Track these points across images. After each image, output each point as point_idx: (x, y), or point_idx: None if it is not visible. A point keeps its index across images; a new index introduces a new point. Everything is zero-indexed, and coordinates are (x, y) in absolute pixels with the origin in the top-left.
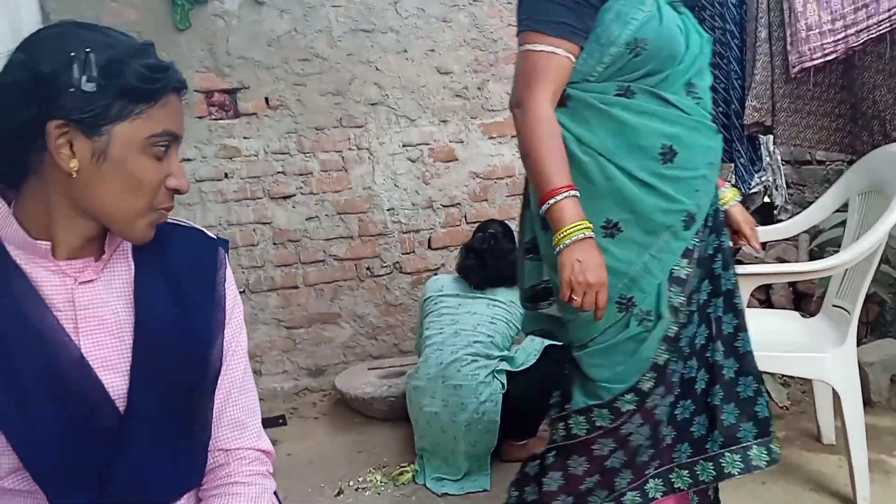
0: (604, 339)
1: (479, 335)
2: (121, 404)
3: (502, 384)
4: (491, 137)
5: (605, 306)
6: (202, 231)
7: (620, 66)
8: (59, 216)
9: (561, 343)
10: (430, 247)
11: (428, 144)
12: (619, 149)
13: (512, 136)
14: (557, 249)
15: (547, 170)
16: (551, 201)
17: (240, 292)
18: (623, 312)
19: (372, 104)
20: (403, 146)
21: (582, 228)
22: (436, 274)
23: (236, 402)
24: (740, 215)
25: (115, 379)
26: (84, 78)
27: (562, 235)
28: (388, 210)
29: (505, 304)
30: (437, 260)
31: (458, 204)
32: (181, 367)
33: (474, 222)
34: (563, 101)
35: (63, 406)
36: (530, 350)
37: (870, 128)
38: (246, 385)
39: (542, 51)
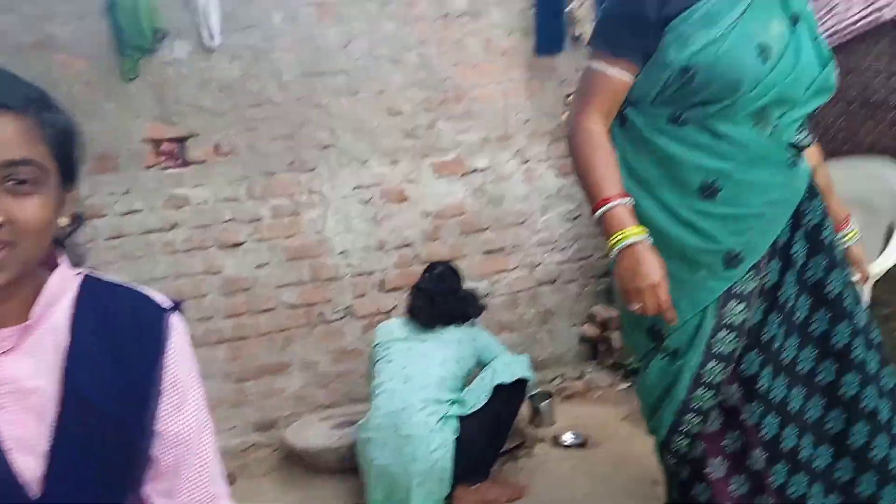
0: (644, 368)
1: (430, 379)
2: (35, 490)
3: (454, 430)
4: (442, 176)
5: (668, 304)
6: (151, 296)
7: (674, 91)
8: None
9: (510, 382)
10: (382, 289)
11: (379, 185)
12: (661, 179)
13: (462, 175)
14: (612, 257)
15: (597, 180)
16: (603, 209)
17: None
18: (654, 342)
19: (323, 147)
20: (355, 188)
21: (631, 234)
22: (389, 316)
23: (197, 481)
24: (857, 255)
25: (31, 462)
26: None
27: (614, 241)
28: (339, 253)
29: (455, 343)
30: (389, 302)
31: (411, 244)
32: (109, 449)
33: (427, 262)
34: (623, 121)
35: None
36: (480, 391)
37: None
38: (203, 474)
39: (597, 69)
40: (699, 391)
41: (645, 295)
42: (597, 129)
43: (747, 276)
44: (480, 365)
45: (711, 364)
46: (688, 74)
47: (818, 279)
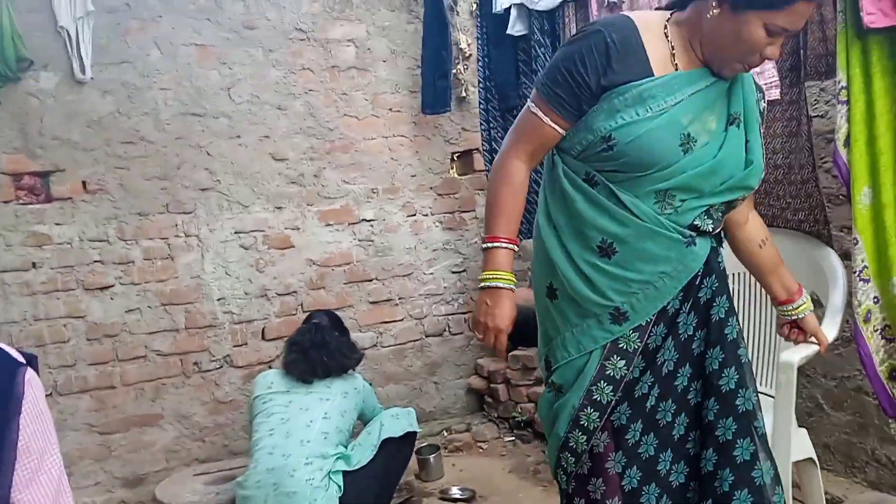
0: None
1: (312, 433)
2: None
3: (339, 486)
4: (328, 224)
5: (501, 351)
6: (1, 350)
7: (593, 153)
8: None
9: (398, 435)
10: (263, 338)
11: (262, 231)
12: (568, 227)
13: (349, 224)
14: (479, 287)
15: (495, 216)
16: (487, 245)
17: (46, 395)
18: (547, 371)
19: (202, 189)
20: (236, 233)
21: (499, 279)
22: (270, 366)
23: None
24: (811, 325)
25: None
26: None
27: (484, 277)
28: (218, 300)
29: (339, 396)
30: (271, 352)
31: (295, 292)
32: None
33: (311, 311)
34: (552, 163)
35: None
36: (366, 445)
37: None
38: None
39: (534, 113)
40: (575, 433)
41: (488, 333)
42: (517, 167)
43: (632, 335)
44: (361, 417)
45: (589, 410)
46: (607, 143)
47: (700, 353)
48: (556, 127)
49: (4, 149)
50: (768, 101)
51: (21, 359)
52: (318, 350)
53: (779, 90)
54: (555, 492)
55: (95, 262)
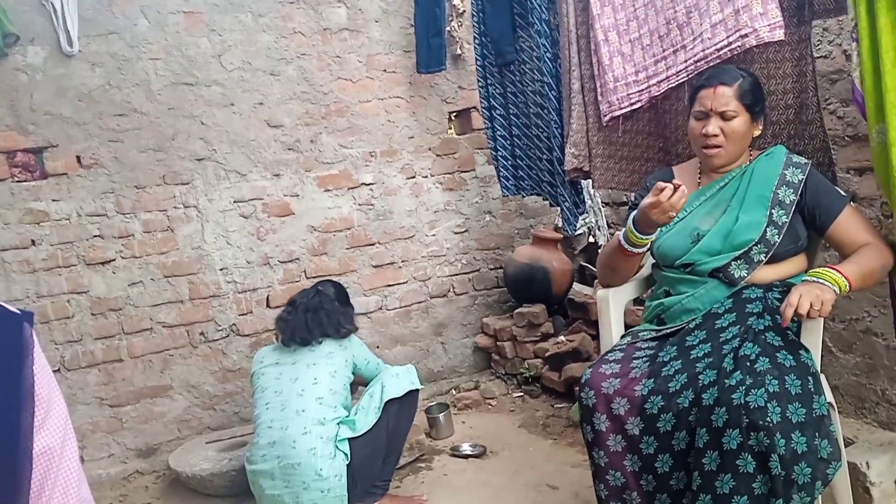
0: None
1: (306, 401)
2: None
3: (346, 454)
4: (327, 190)
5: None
6: (1, 306)
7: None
8: None
9: (401, 395)
10: (268, 305)
11: (261, 199)
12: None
13: (348, 188)
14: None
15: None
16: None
17: (54, 371)
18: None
19: (198, 159)
20: (235, 202)
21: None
22: (276, 335)
23: (64, 498)
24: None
25: None
26: None
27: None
28: (220, 270)
29: (324, 358)
30: None
31: (297, 259)
32: None
33: (314, 277)
34: None
35: None
36: (370, 409)
37: None
38: (69, 491)
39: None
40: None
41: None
42: (604, 249)
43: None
44: (356, 371)
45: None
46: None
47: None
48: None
49: None
50: (773, 41)
51: (20, 312)
52: (308, 314)
53: (783, 30)
54: (564, 444)
55: (95, 236)
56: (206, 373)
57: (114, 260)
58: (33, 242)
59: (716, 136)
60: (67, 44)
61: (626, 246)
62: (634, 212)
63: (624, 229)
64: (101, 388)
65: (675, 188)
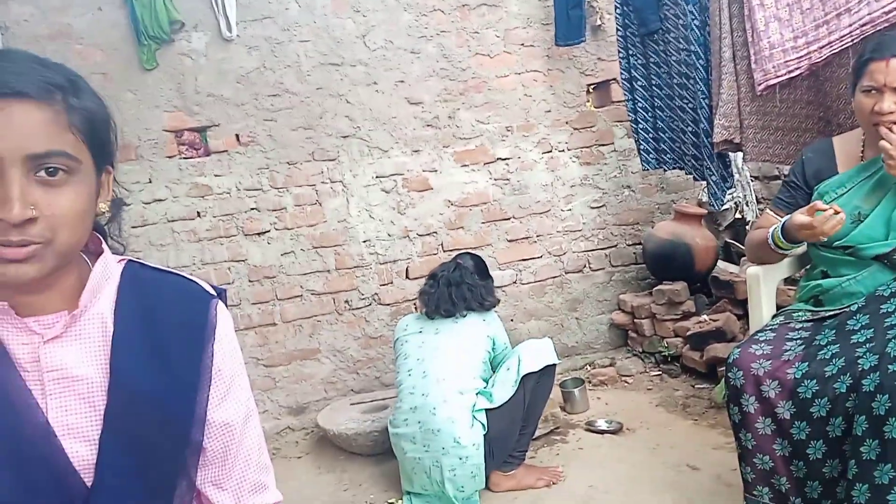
0: None
1: (447, 372)
2: (88, 476)
3: (483, 424)
4: (464, 165)
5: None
6: (195, 283)
7: None
8: None
9: (538, 370)
10: (408, 277)
11: (401, 175)
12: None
13: (485, 164)
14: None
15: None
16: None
17: None
18: None
19: (343, 137)
20: (377, 177)
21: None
22: (414, 304)
23: (245, 468)
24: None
25: (82, 449)
26: None
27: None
28: (363, 242)
29: (466, 330)
30: (415, 290)
31: (435, 233)
32: (158, 437)
33: (451, 250)
34: None
35: (23, 475)
36: (507, 382)
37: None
38: (250, 462)
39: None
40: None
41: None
42: (754, 232)
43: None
44: (494, 348)
45: None
46: None
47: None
48: (777, 217)
49: (165, 107)
50: None
51: (213, 291)
52: (451, 287)
53: None
54: (705, 426)
55: (252, 209)
56: (350, 339)
57: (268, 231)
58: (199, 214)
59: (891, 112)
60: (227, 29)
61: (774, 247)
62: (785, 218)
63: (774, 227)
64: (257, 349)
65: (835, 213)
